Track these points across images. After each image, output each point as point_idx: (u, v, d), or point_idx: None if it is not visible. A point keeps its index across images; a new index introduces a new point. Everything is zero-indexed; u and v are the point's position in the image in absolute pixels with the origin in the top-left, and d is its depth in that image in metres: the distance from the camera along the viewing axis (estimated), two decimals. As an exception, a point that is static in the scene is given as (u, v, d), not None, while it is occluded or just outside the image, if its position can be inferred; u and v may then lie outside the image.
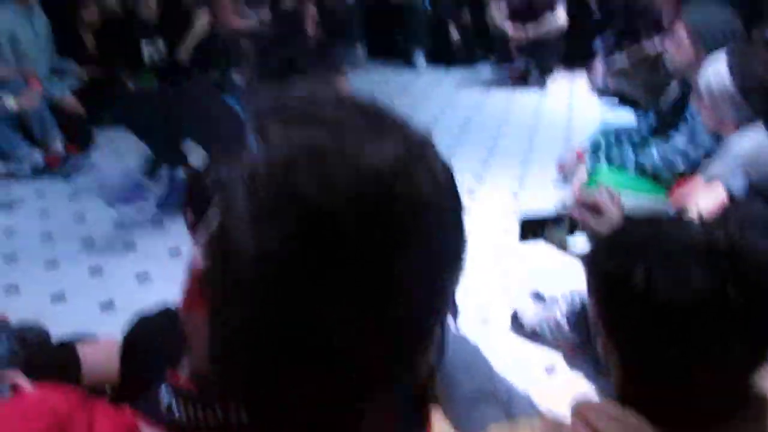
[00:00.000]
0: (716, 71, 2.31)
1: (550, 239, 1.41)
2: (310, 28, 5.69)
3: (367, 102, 0.56)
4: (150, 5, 5.28)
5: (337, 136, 0.50)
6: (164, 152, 3.44)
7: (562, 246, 1.41)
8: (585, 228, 1.37)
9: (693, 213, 2.11)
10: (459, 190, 0.56)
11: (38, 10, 4.54)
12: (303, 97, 0.55)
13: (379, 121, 0.53)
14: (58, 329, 2.20)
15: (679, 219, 0.94)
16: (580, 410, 0.91)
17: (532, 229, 1.40)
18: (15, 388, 1.17)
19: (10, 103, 3.85)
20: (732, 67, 2.26)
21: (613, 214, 1.33)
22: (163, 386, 0.57)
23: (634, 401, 0.88)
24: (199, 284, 0.54)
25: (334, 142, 0.49)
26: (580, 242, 1.40)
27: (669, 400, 0.88)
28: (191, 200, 1.46)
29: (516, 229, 1.41)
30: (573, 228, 1.40)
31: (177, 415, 0.54)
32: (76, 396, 0.59)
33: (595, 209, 1.37)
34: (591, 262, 0.96)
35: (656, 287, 0.83)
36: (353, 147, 0.49)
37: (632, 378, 0.91)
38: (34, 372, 1.29)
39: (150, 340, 1.40)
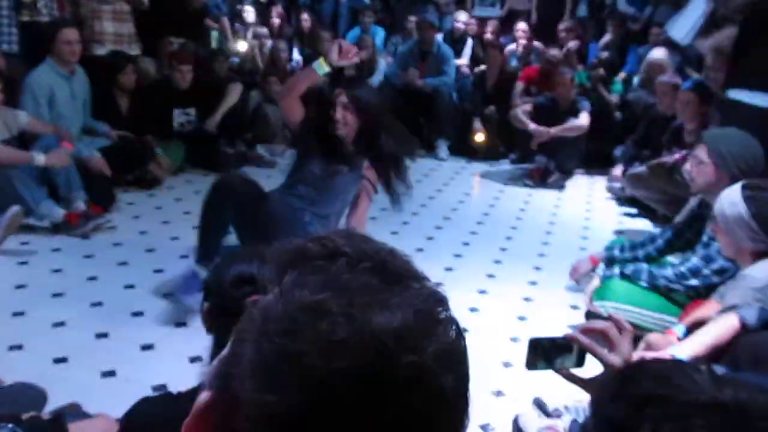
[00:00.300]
0: (731, 199, 2.33)
1: (557, 369, 1.39)
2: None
3: (386, 257, 0.56)
4: (185, 75, 5.45)
5: (345, 299, 0.50)
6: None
7: (569, 378, 1.38)
8: (594, 356, 1.36)
9: (706, 339, 2.10)
10: (466, 355, 0.56)
11: (80, 72, 4.72)
12: (324, 247, 0.56)
13: (392, 281, 0.53)
14: (58, 392, 2.20)
15: (687, 369, 0.93)
16: None
17: (540, 355, 1.38)
18: None
19: (40, 159, 3.94)
20: (747, 196, 2.29)
21: (623, 348, 1.32)
22: None
23: None
24: (204, 416, 0.55)
25: (342, 305, 0.50)
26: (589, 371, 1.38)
27: None
28: (208, 298, 1.49)
29: (523, 354, 1.39)
30: (582, 358, 1.38)
31: None
32: None
33: (605, 338, 1.37)
34: (596, 404, 0.95)
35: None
36: (360, 312, 0.50)
37: None
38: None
39: (150, 423, 1.40)
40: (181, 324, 2.97)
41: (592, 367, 1.33)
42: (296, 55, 7.38)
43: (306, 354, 0.48)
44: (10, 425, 1.33)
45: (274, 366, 0.49)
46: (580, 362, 1.40)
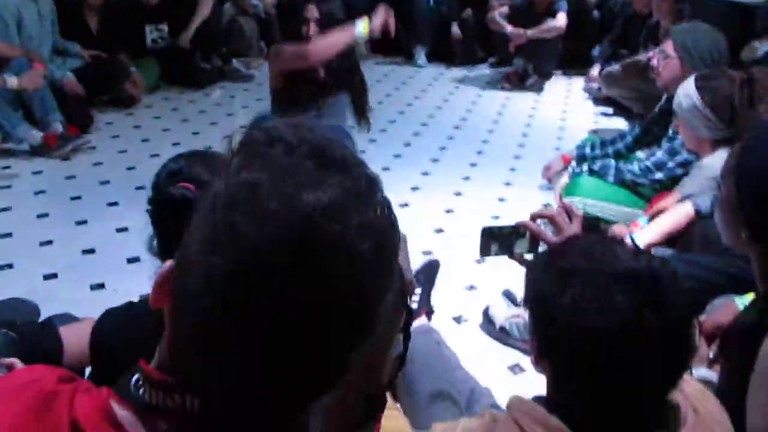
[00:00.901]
0: (685, 91, 2.40)
1: (510, 254, 1.48)
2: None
3: (325, 144, 0.63)
4: (155, -11, 5.34)
5: (280, 179, 0.58)
6: None
7: (522, 262, 1.48)
8: (543, 241, 1.45)
9: (662, 228, 2.21)
10: (393, 231, 0.63)
11: (44, -8, 4.61)
12: (267, 134, 0.63)
13: (328, 166, 0.60)
14: (49, 306, 2.30)
15: (610, 243, 1.02)
16: (511, 408, 1.00)
17: (493, 242, 1.47)
18: (10, 369, 1.26)
19: (12, 82, 3.92)
20: (699, 86, 2.35)
21: (571, 232, 1.41)
22: (136, 372, 0.66)
23: (560, 408, 0.97)
24: (167, 282, 0.63)
25: (275, 184, 0.57)
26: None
27: (590, 411, 0.97)
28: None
29: (477, 242, 1.48)
30: (535, 244, 1.47)
31: (144, 397, 0.63)
32: (61, 374, 0.70)
33: (555, 223, 1.46)
34: (528, 276, 1.05)
35: (581, 309, 0.92)
36: (292, 190, 0.57)
37: (559, 387, 1.00)
38: (21, 352, 1.38)
39: (114, 332, 1.51)
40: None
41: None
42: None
43: (241, 223, 0.56)
44: (2, 330, 1.42)
45: (216, 233, 0.57)
46: (533, 248, 1.50)
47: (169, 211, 1.38)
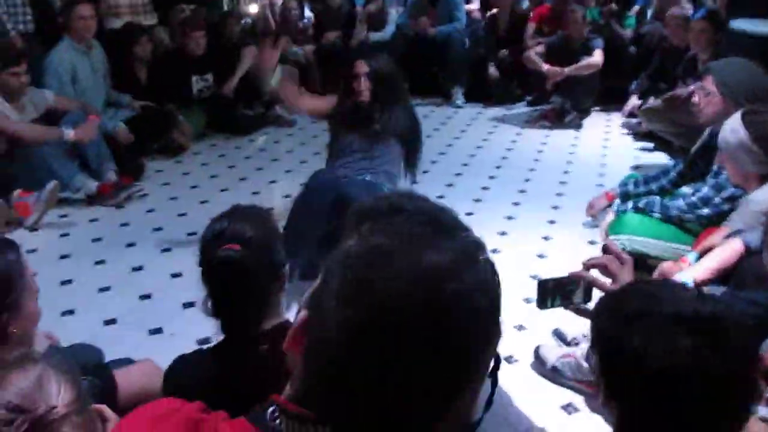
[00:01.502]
0: (732, 126, 2.41)
1: (567, 305, 1.52)
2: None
3: (438, 212, 0.75)
4: (199, 41, 5.55)
5: (405, 243, 0.68)
6: None
7: (579, 312, 1.51)
8: (599, 289, 1.48)
9: (712, 264, 2.20)
10: (499, 288, 0.74)
11: (97, 46, 4.84)
12: (390, 204, 0.77)
13: (441, 229, 0.72)
14: (111, 351, 2.39)
15: (673, 287, 1.06)
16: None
17: (550, 295, 1.51)
18: (101, 415, 1.34)
19: (69, 134, 4.10)
20: (746, 121, 2.37)
21: (624, 278, 1.44)
22: (271, 405, 0.74)
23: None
24: (301, 330, 0.73)
25: (402, 249, 0.68)
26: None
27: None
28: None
29: (535, 294, 1.52)
30: (588, 292, 1.51)
31: (281, 427, 0.72)
32: (200, 406, 0.80)
33: (607, 271, 1.49)
34: (594, 323, 1.09)
35: (647, 352, 0.96)
36: (416, 253, 0.67)
37: (627, 428, 1.03)
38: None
39: (187, 376, 1.59)
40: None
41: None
42: (307, 12, 7.39)
43: (374, 281, 0.66)
44: (87, 377, 1.51)
45: (350, 289, 0.67)
46: (587, 297, 1.53)
47: (218, 273, 1.46)
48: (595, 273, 1.52)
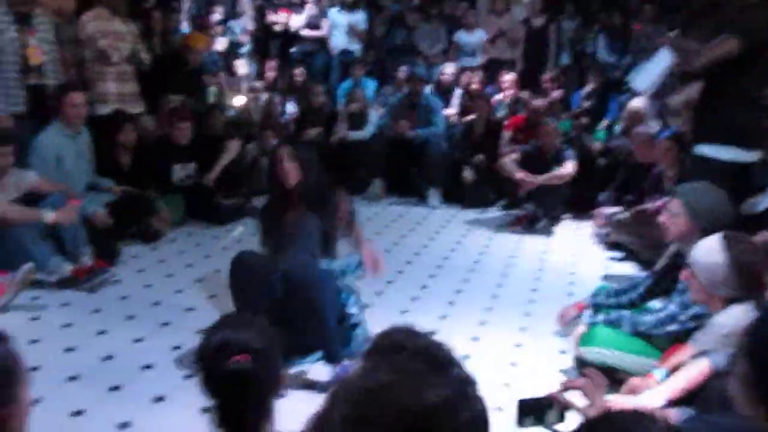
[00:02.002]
0: (708, 247, 2.53)
1: (544, 424, 1.57)
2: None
3: (434, 349, 0.83)
4: (184, 131, 5.68)
5: (404, 379, 0.76)
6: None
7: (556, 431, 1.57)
8: (572, 407, 1.54)
9: (679, 384, 2.27)
10: (488, 420, 0.81)
11: (83, 132, 4.93)
12: (391, 341, 0.85)
13: (437, 366, 0.80)
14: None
15: (645, 420, 1.11)
16: None
17: (528, 415, 1.57)
18: None
19: (48, 216, 4.11)
20: (727, 245, 2.49)
21: (597, 401, 1.50)
22: None
23: None
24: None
25: (401, 384, 0.76)
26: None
27: None
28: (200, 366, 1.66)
29: (515, 401, 1.57)
30: (562, 415, 1.57)
31: None
32: None
33: (585, 394, 1.55)
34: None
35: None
36: (414, 388, 0.75)
37: None
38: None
39: None
40: (189, 376, 3.11)
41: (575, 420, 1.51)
42: (290, 108, 7.62)
43: (381, 416, 0.74)
44: None
45: (357, 423, 0.74)
46: (562, 417, 1.59)
47: (229, 385, 1.48)
48: (571, 395, 1.58)
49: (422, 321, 3.81)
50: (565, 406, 1.55)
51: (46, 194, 4.41)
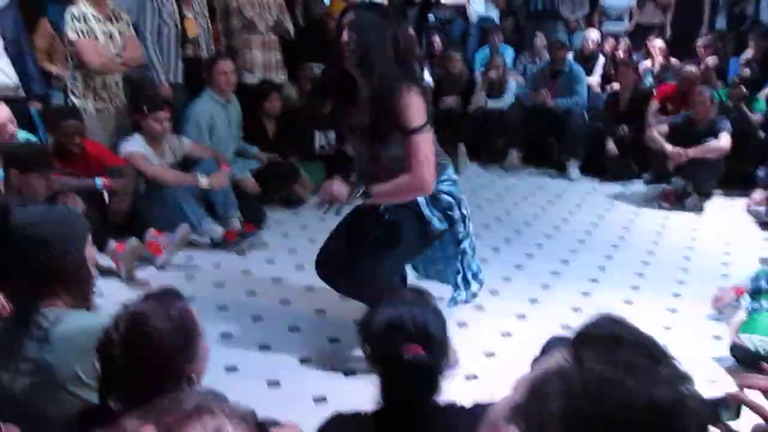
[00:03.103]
0: None
1: (717, 424, 1.47)
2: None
3: (650, 342, 0.79)
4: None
5: (630, 375, 0.72)
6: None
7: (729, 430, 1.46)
8: (755, 412, 1.42)
9: None
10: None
11: (234, 100, 5.14)
12: (606, 331, 0.79)
13: (659, 361, 0.76)
14: (230, 398, 2.47)
15: None
16: None
17: None
18: None
19: (203, 181, 4.35)
20: None
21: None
22: None
23: None
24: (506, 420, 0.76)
25: (629, 380, 0.71)
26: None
27: None
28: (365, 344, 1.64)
29: None
30: (739, 410, 1.45)
31: None
32: None
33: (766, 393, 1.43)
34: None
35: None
36: (642, 386, 0.71)
37: None
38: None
39: None
40: (334, 340, 3.21)
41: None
42: (426, 76, 7.57)
43: (613, 416, 0.70)
44: None
45: (583, 421, 0.71)
46: (737, 414, 1.47)
47: (402, 374, 1.47)
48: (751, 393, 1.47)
49: (563, 297, 3.73)
50: (740, 402, 1.44)
51: (199, 160, 4.65)
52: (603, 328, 0.80)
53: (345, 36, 2.64)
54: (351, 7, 2.82)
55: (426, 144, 2.65)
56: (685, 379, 0.75)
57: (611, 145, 6.33)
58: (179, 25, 4.98)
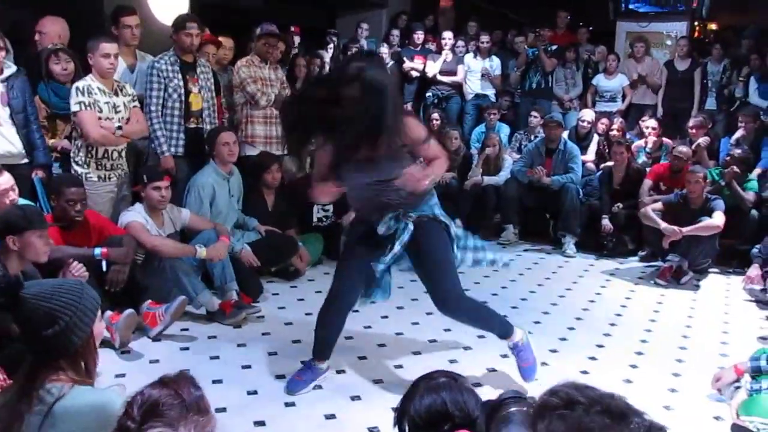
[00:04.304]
0: None
1: None
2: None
3: (609, 400, 0.77)
4: (325, 172, 5.85)
5: None
6: None
7: None
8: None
9: None
10: None
11: (236, 173, 5.21)
12: (561, 399, 0.77)
13: (617, 416, 0.75)
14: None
15: None
16: None
17: None
18: None
19: (202, 253, 4.36)
20: None
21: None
22: None
23: None
24: None
25: None
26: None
27: None
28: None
29: None
30: None
31: None
32: None
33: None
34: None
35: None
36: None
37: None
38: None
39: None
40: (330, 416, 3.16)
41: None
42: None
43: None
44: None
45: None
46: None
47: None
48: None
49: (561, 375, 3.67)
50: None
51: (199, 230, 4.67)
52: (559, 394, 0.80)
53: (352, 91, 2.82)
54: (355, 59, 3.05)
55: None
56: (653, 428, 0.75)
57: (606, 222, 6.39)
58: (184, 99, 5.09)
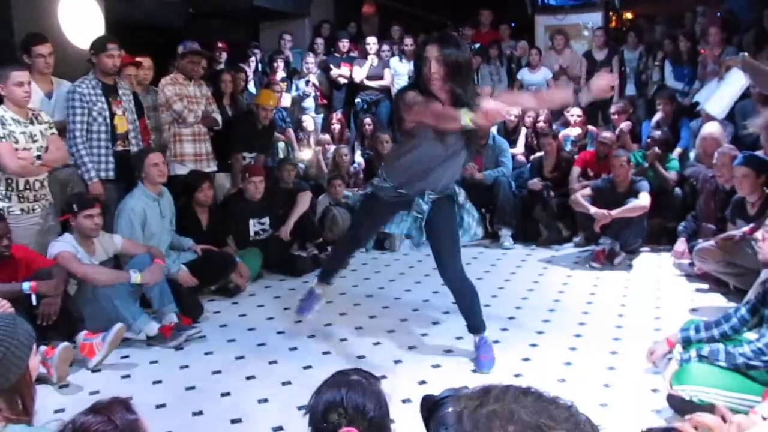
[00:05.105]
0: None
1: None
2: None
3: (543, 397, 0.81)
4: (258, 186, 5.83)
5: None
6: None
7: None
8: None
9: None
10: None
11: (166, 193, 5.13)
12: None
13: (548, 401, 0.78)
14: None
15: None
16: None
17: None
18: None
19: (136, 277, 4.27)
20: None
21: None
22: None
23: None
24: None
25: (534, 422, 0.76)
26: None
27: None
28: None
29: None
30: None
31: None
32: None
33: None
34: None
35: None
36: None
37: None
38: None
39: None
40: (278, 429, 3.14)
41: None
42: (358, 157, 7.75)
43: None
44: None
45: None
46: None
47: None
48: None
49: (503, 365, 3.76)
50: None
51: (133, 255, 4.58)
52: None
53: (434, 67, 3.31)
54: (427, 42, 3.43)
55: None
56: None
57: (539, 212, 6.54)
58: (109, 122, 4.99)
